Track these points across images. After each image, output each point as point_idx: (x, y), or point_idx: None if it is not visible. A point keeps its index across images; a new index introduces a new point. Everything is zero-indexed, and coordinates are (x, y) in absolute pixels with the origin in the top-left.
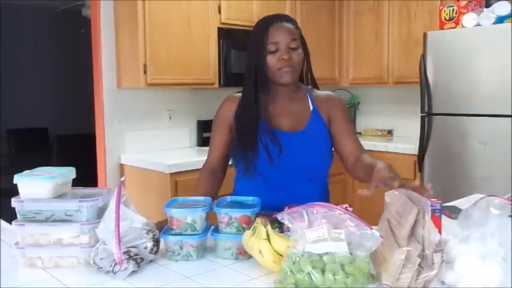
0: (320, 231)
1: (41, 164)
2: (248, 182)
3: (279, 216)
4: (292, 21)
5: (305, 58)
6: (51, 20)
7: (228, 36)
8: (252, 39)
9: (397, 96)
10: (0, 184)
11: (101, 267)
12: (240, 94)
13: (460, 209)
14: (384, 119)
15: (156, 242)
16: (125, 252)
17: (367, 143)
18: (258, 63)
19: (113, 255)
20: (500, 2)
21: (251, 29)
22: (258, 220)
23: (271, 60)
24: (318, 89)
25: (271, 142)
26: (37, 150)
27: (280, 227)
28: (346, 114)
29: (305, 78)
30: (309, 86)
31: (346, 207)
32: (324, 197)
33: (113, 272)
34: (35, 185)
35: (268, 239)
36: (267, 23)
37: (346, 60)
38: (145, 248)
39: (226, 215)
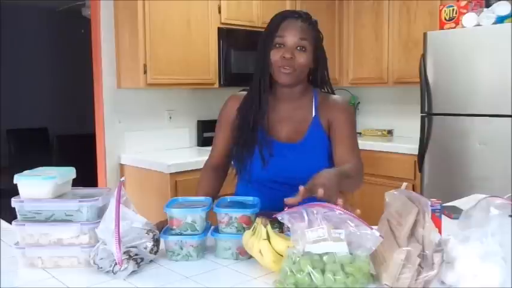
0: (320, 231)
1: (41, 164)
2: (243, 186)
3: (279, 216)
4: (310, 21)
5: (319, 62)
6: (51, 20)
7: (228, 36)
8: (264, 32)
9: (397, 96)
10: (0, 184)
11: (101, 267)
12: (245, 93)
13: (460, 209)
14: (384, 119)
15: (156, 242)
16: (124, 252)
17: (367, 143)
18: (264, 58)
19: (113, 255)
20: (500, 2)
21: (251, 29)
22: (258, 220)
23: (274, 55)
24: (333, 93)
25: (265, 150)
26: (37, 150)
27: (280, 227)
28: (347, 120)
29: (319, 83)
30: (321, 90)
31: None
32: None
33: (113, 272)
34: (35, 185)
35: (268, 239)
36: (281, 17)
37: (346, 60)
38: (145, 248)
39: (226, 215)
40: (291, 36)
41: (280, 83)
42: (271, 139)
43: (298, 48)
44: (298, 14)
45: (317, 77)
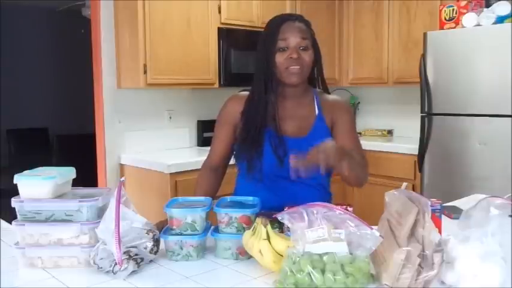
0: (320, 231)
1: (41, 164)
2: (249, 183)
3: (279, 216)
4: (306, 21)
5: (316, 61)
6: (51, 20)
7: (228, 36)
8: (263, 37)
9: (397, 96)
10: (0, 184)
11: (101, 267)
12: (245, 93)
13: (460, 209)
14: (384, 119)
15: (156, 242)
16: (124, 252)
17: (367, 143)
18: (267, 62)
19: (113, 255)
20: (500, 2)
21: (251, 29)
22: (258, 220)
23: (280, 58)
24: (328, 93)
25: (279, 146)
26: (37, 150)
27: (280, 227)
28: (349, 120)
29: (316, 81)
30: (318, 89)
31: (346, 207)
32: (326, 202)
33: (113, 272)
34: (35, 185)
35: (268, 239)
36: (280, 21)
37: (346, 60)
38: (145, 248)
39: (226, 215)
40: (293, 37)
41: (288, 83)
42: (282, 137)
43: (301, 48)
44: (295, 16)
45: (314, 75)
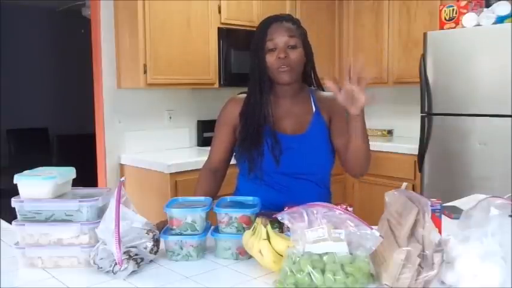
0: (320, 231)
1: (41, 164)
2: (251, 183)
3: (279, 216)
4: (293, 20)
5: (307, 58)
6: (51, 20)
7: (228, 36)
8: (254, 39)
9: (397, 96)
10: (0, 184)
11: (101, 267)
12: (244, 95)
13: (460, 209)
14: (384, 119)
15: (156, 242)
16: (124, 252)
17: None
18: (259, 63)
19: (113, 255)
20: (500, 2)
21: (251, 29)
22: (258, 220)
23: (270, 59)
24: (323, 90)
25: (274, 145)
26: (37, 150)
27: (280, 227)
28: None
29: (309, 79)
30: (313, 87)
31: (346, 207)
32: (326, 199)
33: (113, 272)
34: (35, 185)
35: (268, 239)
36: (267, 23)
37: (346, 60)
38: (145, 248)
39: (226, 215)
40: (280, 37)
41: (281, 82)
42: (278, 133)
43: (289, 46)
44: (283, 17)
45: (307, 71)
